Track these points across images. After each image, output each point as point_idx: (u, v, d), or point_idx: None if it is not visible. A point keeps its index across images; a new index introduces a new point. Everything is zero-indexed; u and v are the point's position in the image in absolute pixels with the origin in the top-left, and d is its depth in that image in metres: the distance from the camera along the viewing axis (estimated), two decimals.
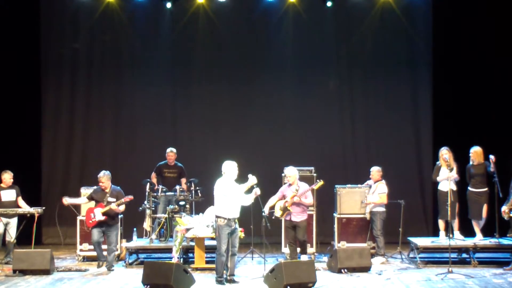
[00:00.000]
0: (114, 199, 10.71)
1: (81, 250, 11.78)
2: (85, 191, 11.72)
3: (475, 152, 11.34)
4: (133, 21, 14.33)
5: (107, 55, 14.40)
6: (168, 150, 12.59)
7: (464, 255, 11.38)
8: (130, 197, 10.86)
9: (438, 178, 11.52)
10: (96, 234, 10.72)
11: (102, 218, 10.64)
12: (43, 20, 14.19)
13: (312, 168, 12.03)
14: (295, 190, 10.76)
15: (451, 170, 10.92)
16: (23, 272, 10.45)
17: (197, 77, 14.34)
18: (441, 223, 11.58)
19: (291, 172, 10.93)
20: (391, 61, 14.22)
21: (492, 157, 11.08)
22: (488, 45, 13.49)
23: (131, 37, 14.36)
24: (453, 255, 11.23)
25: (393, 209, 11.78)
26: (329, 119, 14.29)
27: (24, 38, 13.87)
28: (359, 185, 12.03)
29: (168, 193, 11.93)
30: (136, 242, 11.62)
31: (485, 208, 11.23)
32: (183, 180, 12.44)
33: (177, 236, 10.78)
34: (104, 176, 10.82)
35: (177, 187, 11.76)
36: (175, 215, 11.32)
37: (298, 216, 10.78)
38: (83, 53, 14.36)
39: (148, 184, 11.86)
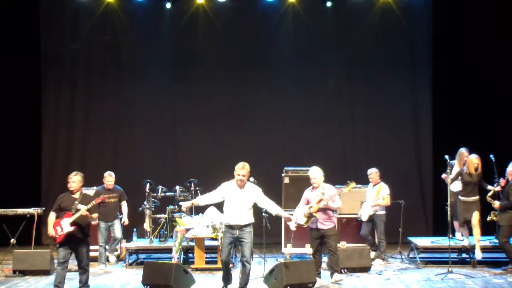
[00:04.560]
0: (85, 207, 8.76)
1: None
2: (85, 191, 11.68)
3: (478, 160, 10.84)
4: (133, 21, 14.35)
5: (107, 55, 14.41)
6: (106, 173, 11.28)
7: (464, 255, 11.38)
8: (103, 196, 9.34)
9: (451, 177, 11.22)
10: (62, 252, 8.76)
11: (71, 229, 8.65)
12: (43, 21, 14.21)
13: (314, 167, 11.98)
14: (321, 194, 9.67)
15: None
16: (23, 273, 10.46)
17: (197, 77, 14.34)
18: (456, 224, 11.37)
19: (315, 174, 9.76)
20: (391, 61, 14.24)
21: (493, 159, 11.05)
22: (488, 45, 13.50)
23: (131, 37, 14.38)
24: (453, 255, 11.24)
25: (393, 209, 11.78)
26: (329, 119, 14.29)
27: (24, 38, 13.88)
28: (359, 185, 12.00)
29: (168, 194, 11.95)
30: (136, 242, 11.63)
31: (477, 215, 10.81)
32: (123, 204, 11.36)
33: (177, 237, 10.77)
34: (75, 177, 8.94)
35: (177, 187, 11.77)
36: (175, 215, 11.33)
37: (326, 224, 9.65)
38: (83, 53, 14.38)
39: (148, 184, 11.87)
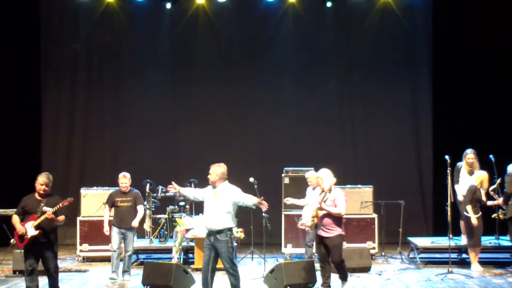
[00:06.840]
0: (51, 209, 8.18)
1: (81, 251, 11.77)
2: (85, 191, 11.74)
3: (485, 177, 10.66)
4: (133, 21, 14.35)
5: (107, 55, 14.40)
6: (120, 175, 10.39)
7: (464, 255, 11.37)
8: (70, 199, 8.43)
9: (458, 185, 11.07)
10: (28, 260, 8.26)
11: (35, 233, 8.12)
12: (43, 20, 14.21)
13: (312, 168, 11.99)
14: (320, 197, 8.91)
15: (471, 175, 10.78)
16: (23, 273, 10.42)
17: (197, 77, 14.34)
18: (462, 224, 11.18)
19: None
20: (391, 61, 14.23)
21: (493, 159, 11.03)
22: (488, 45, 13.50)
23: (131, 37, 14.38)
24: (453, 255, 11.24)
25: (393, 209, 11.77)
26: (329, 119, 14.29)
27: (24, 38, 13.87)
28: (359, 185, 12.02)
29: (168, 194, 11.95)
30: (136, 242, 11.62)
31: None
32: (139, 209, 10.34)
33: (177, 237, 10.78)
34: (44, 177, 8.32)
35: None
36: (175, 216, 11.33)
37: (326, 230, 8.88)
38: (83, 54, 14.38)
39: (148, 184, 11.87)
